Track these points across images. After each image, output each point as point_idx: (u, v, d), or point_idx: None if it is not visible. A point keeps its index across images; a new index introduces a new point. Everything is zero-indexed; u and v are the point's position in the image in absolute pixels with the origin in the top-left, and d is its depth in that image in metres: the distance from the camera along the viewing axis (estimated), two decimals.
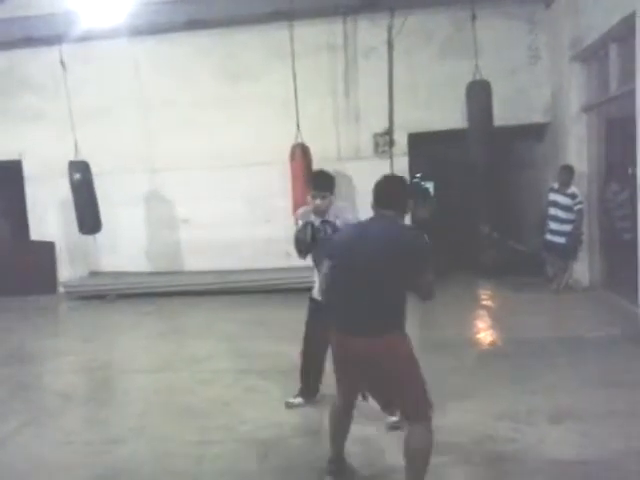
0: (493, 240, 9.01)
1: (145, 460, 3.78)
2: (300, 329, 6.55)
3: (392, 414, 3.81)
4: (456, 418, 4.01)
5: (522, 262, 9.11)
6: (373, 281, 2.85)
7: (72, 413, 4.73)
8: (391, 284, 2.86)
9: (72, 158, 8.67)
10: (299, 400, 4.37)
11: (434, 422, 2.98)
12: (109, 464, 3.74)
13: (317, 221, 4.03)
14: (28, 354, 6.69)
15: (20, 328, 7.82)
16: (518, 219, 10.98)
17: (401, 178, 3.22)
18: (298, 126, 8.19)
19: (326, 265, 3.13)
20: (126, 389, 5.25)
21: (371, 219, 3.04)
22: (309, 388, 4.37)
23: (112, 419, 4.53)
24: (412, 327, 6.94)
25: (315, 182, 4.02)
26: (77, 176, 8.73)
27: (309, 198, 4.04)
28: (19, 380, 5.56)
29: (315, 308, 4.13)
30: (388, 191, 3.03)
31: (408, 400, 2.97)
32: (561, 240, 7.61)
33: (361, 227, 3.11)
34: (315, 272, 4.07)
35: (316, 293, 4.07)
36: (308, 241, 3.92)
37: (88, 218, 8.80)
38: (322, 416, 4.12)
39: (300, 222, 4.11)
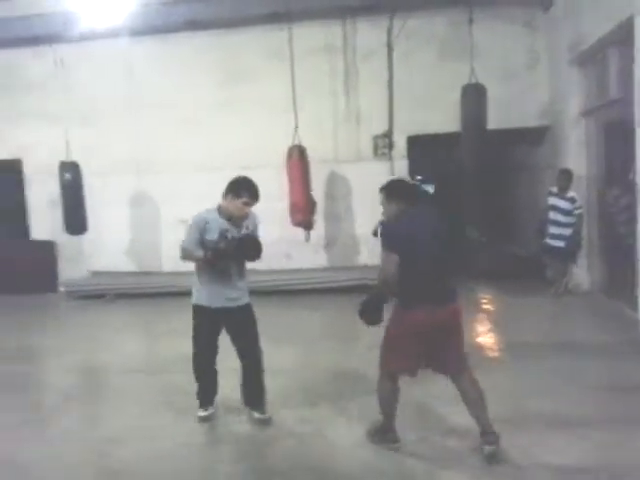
0: (482, 244, 9.00)
1: (143, 459, 3.79)
2: (298, 329, 6.58)
3: (263, 412, 4.21)
4: (453, 422, 4.01)
5: (521, 266, 9.11)
6: (445, 261, 3.58)
7: (71, 412, 4.73)
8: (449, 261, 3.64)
9: (64, 158, 8.74)
10: (209, 411, 4.33)
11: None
12: (108, 463, 3.76)
13: (233, 229, 4.10)
14: (29, 353, 6.70)
15: (21, 327, 7.82)
16: (517, 223, 10.99)
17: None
18: (296, 128, 8.19)
19: (390, 253, 3.46)
20: (125, 389, 5.24)
21: (416, 212, 3.61)
22: (209, 394, 4.35)
23: (111, 418, 4.52)
24: None
25: (252, 190, 4.06)
26: (67, 176, 8.76)
27: (239, 204, 4.04)
28: (20, 378, 5.57)
29: (204, 314, 4.16)
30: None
31: (461, 355, 3.68)
32: (561, 244, 7.60)
33: (419, 218, 3.59)
34: (197, 278, 4.15)
35: (204, 299, 4.13)
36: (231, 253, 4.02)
37: (74, 219, 8.83)
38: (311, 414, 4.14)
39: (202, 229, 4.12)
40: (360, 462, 3.62)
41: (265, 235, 4.40)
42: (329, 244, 9.35)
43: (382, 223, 3.81)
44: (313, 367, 5.50)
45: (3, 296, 9.44)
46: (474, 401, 3.58)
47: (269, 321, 7.29)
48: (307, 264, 9.19)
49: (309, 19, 8.88)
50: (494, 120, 7.36)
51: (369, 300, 3.54)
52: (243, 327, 4.22)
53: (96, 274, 9.85)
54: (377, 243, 7.68)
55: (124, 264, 9.80)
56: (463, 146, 7.35)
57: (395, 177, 4.01)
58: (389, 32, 8.70)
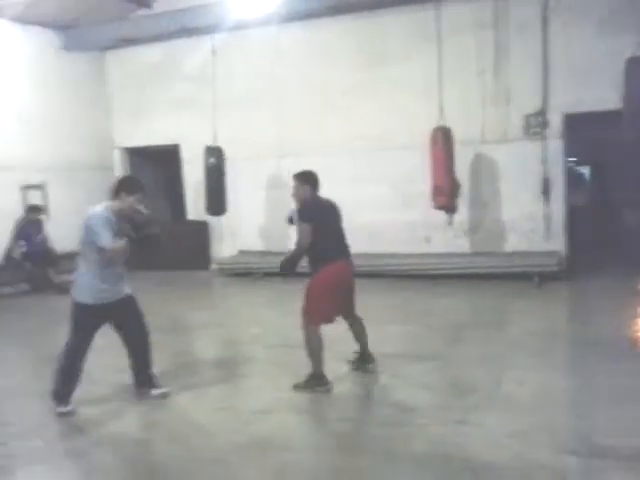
0: None
1: (292, 431, 3.93)
2: (439, 315, 6.44)
3: (155, 386, 4.51)
4: (615, 423, 3.75)
5: None
6: (341, 228, 4.79)
7: (224, 381, 5.01)
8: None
9: (211, 143, 9.30)
10: (69, 407, 4.26)
11: None
12: (259, 432, 3.89)
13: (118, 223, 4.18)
14: (183, 324, 7.25)
15: (177, 300, 8.46)
16: None
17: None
18: (441, 109, 7.98)
19: (308, 225, 4.43)
20: (274, 362, 5.46)
21: (320, 197, 4.72)
22: (70, 391, 4.28)
23: (262, 390, 4.72)
24: (568, 323, 6.48)
25: (143, 187, 4.29)
26: (211, 160, 9.27)
27: (132, 200, 4.18)
28: (176, 348, 6.00)
29: (89, 314, 4.18)
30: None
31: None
32: None
33: (324, 200, 4.76)
34: (92, 273, 4.13)
35: (88, 297, 4.14)
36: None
37: (214, 201, 9.33)
38: None
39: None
40: (511, 454, 3.48)
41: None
42: (472, 229, 9.03)
43: (297, 209, 4.61)
44: (459, 355, 5.38)
45: (164, 272, 10.21)
46: (364, 333, 4.82)
47: (413, 307, 7.33)
48: (448, 249, 8.98)
49: None
50: None
51: (290, 258, 4.60)
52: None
53: (244, 253, 10.38)
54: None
55: (267, 244, 10.19)
56: (626, 124, 6.75)
57: (306, 169, 4.80)
58: (545, 4, 8.16)
